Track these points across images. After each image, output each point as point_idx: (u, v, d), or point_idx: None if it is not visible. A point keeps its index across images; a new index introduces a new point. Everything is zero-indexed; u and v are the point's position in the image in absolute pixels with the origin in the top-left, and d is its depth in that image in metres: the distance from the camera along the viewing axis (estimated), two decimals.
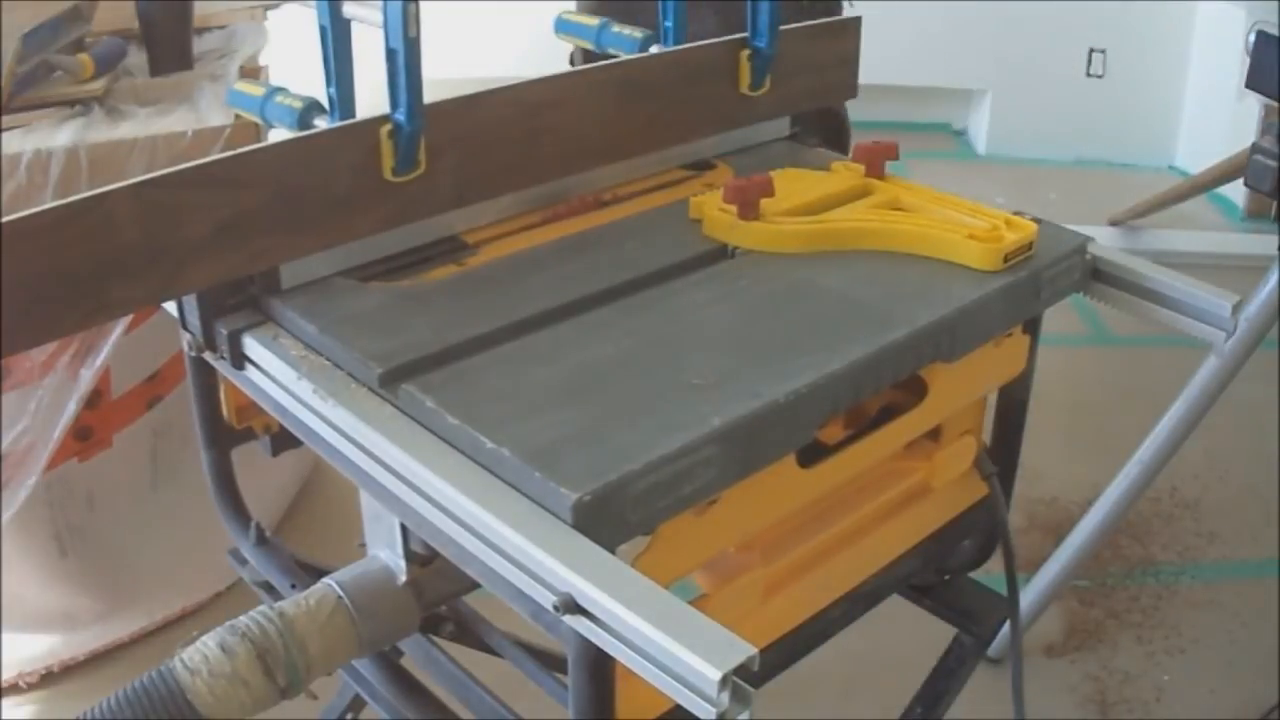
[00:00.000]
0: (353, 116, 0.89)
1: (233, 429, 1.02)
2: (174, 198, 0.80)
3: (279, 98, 0.92)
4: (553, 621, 0.68)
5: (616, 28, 1.16)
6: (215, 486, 1.05)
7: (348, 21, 0.87)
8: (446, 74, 1.61)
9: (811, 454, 0.85)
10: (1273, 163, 1.57)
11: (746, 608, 0.88)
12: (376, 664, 0.99)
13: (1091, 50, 3.65)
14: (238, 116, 1.53)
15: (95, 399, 1.62)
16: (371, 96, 0.89)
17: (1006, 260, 0.92)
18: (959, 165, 3.73)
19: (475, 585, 0.87)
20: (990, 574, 1.16)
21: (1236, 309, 0.95)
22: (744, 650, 0.59)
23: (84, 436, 1.67)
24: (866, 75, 1.25)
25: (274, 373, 0.85)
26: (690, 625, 0.61)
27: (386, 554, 0.90)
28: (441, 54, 1.44)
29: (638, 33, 1.15)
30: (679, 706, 0.61)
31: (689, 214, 1.01)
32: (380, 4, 0.84)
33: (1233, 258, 3.06)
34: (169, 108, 1.59)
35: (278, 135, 0.91)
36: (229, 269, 0.84)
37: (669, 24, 1.14)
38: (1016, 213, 0.98)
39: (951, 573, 1.16)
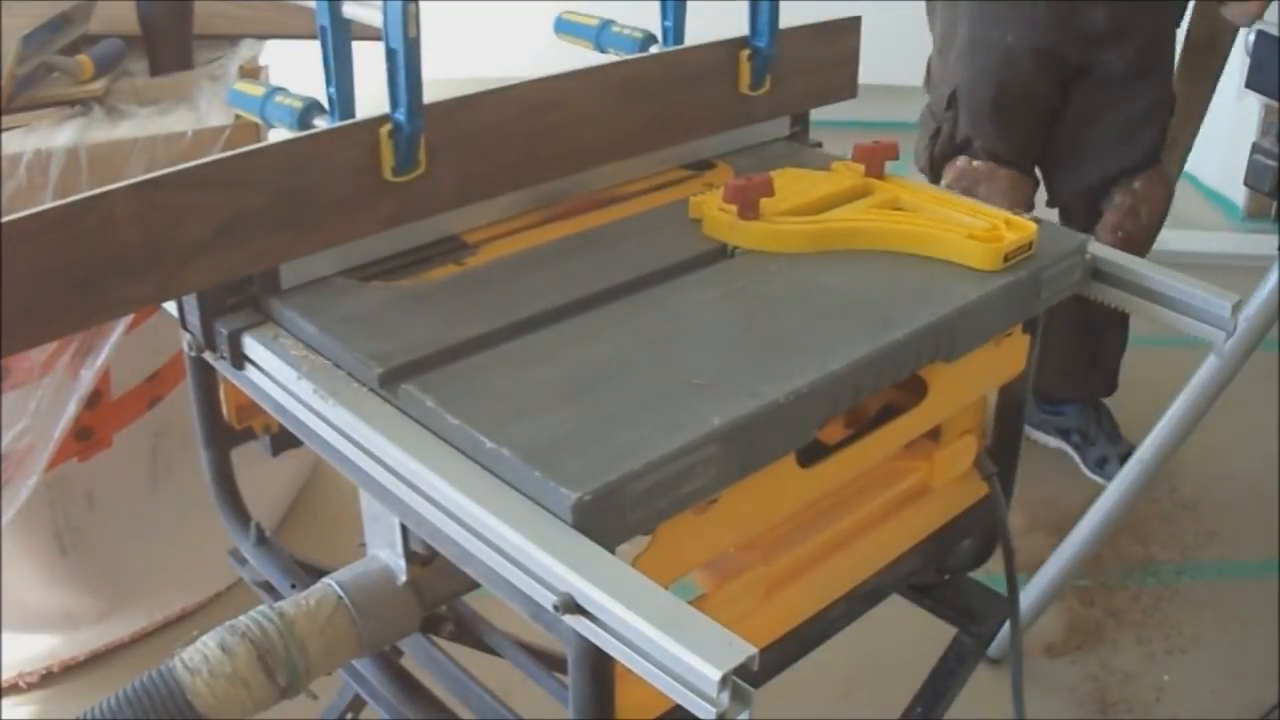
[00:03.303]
0: (353, 116, 0.89)
1: (233, 429, 1.02)
2: (174, 198, 0.80)
3: (279, 98, 0.92)
4: (553, 621, 0.68)
5: (616, 28, 1.16)
6: (215, 486, 1.05)
7: (348, 21, 0.87)
8: (447, 74, 1.61)
9: (811, 454, 0.85)
10: (1273, 163, 1.57)
11: (746, 607, 0.88)
12: (376, 664, 0.99)
13: None
14: (238, 116, 1.53)
15: (95, 399, 1.62)
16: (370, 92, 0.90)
17: (1006, 260, 0.92)
18: None
19: (475, 585, 0.87)
20: (990, 574, 1.16)
21: (1236, 309, 0.95)
22: (744, 650, 0.59)
23: (84, 436, 1.67)
24: (866, 75, 1.25)
25: (274, 373, 0.85)
26: (690, 625, 0.61)
27: (386, 554, 0.90)
28: (442, 54, 1.44)
29: (638, 32, 1.15)
30: (679, 706, 0.61)
31: (689, 214, 1.01)
32: (380, 4, 0.84)
33: (1233, 258, 3.06)
34: (169, 108, 1.59)
35: (278, 135, 0.91)
36: (229, 269, 0.85)
37: (669, 24, 1.14)
38: (1016, 212, 0.98)
39: (951, 573, 1.16)
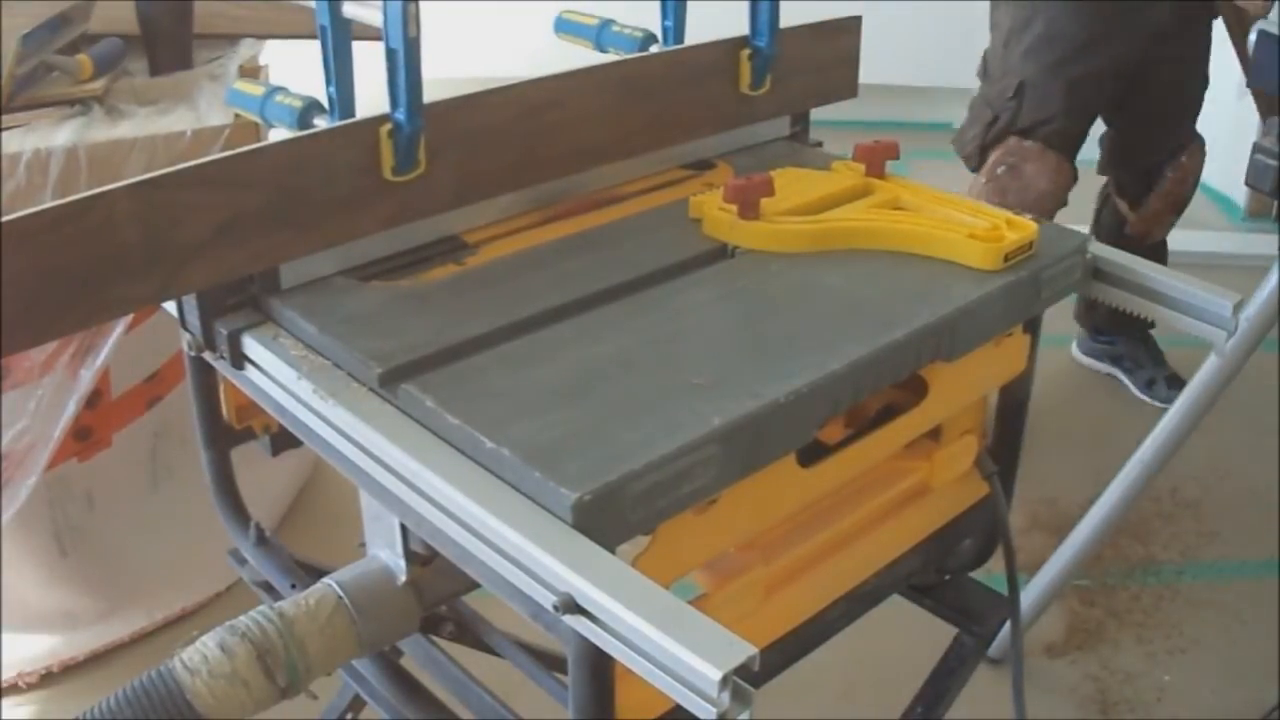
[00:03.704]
0: (353, 116, 0.89)
1: (232, 429, 1.02)
2: (174, 198, 0.80)
3: (279, 98, 0.92)
4: (553, 621, 0.68)
5: (616, 27, 1.16)
6: (215, 486, 1.05)
7: (348, 21, 0.87)
8: (448, 74, 1.61)
9: (811, 454, 0.85)
10: (1273, 162, 1.57)
11: (746, 608, 0.88)
12: (376, 664, 0.99)
13: None
14: (238, 116, 1.53)
15: (95, 399, 1.62)
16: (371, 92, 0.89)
17: (1007, 260, 0.92)
18: (959, 165, 3.71)
19: (475, 585, 0.87)
20: (990, 574, 1.16)
21: (1237, 309, 0.95)
22: (744, 650, 0.59)
23: (84, 436, 1.67)
24: (866, 75, 1.25)
25: (274, 372, 0.85)
26: (690, 625, 0.61)
27: (386, 554, 0.90)
28: (442, 54, 1.44)
29: (638, 32, 1.15)
30: (679, 706, 0.61)
31: (689, 214, 1.01)
32: (380, 4, 0.84)
33: (1233, 258, 3.06)
34: (169, 108, 1.59)
35: (278, 135, 0.91)
36: (229, 269, 0.85)
37: (669, 24, 1.14)
38: (1017, 212, 0.98)
39: (952, 573, 1.16)
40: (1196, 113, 2.23)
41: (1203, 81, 2.20)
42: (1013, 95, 2.05)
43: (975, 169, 2.13)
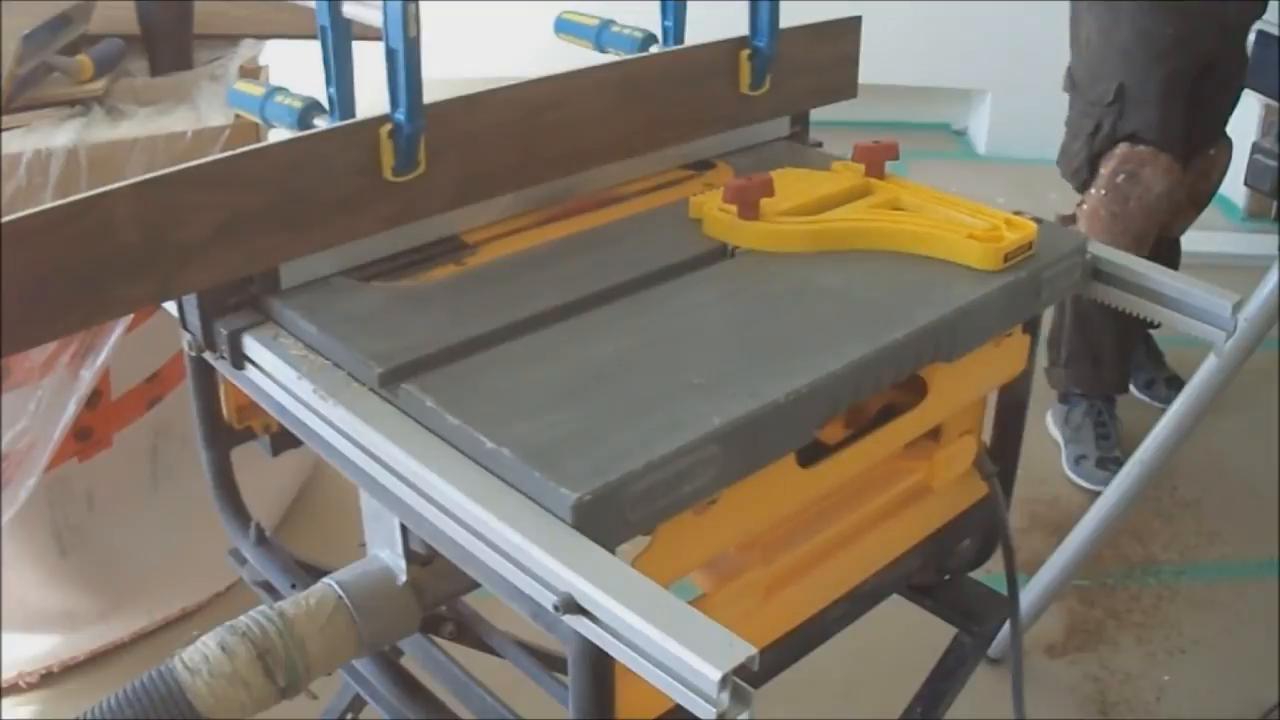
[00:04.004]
0: (353, 116, 0.89)
1: (233, 429, 1.02)
2: (174, 198, 0.80)
3: (279, 98, 0.92)
4: (553, 621, 0.68)
5: (616, 28, 1.16)
6: (215, 486, 1.05)
7: (348, 21, 0.87)
8: (448, 74, 1.61)
9: (811, 454, 0.85)
10: (1273, 163, 1.57)
11: (746, 608, 0.88)
12: (376, 664, 0.99)
13: None
14: (238, 116, 1.53)
15: (95, 399, 1.62)
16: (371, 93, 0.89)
17: (1006, 260, 0.92)
18: (959, 165, 3.73)
19: (475, 585, 0.87)
20: (990, 574, 1.16)
21: (1236, 309, 0.95)
22: (744, 650, 0.59)
23: (84, 436, 1.67)
24: (866, 75, 1.25)
25: (274, 372, 0.85)
26: (690, 625, 0.61)
27: (386, 554, 0.90)
28: (442, 54, 1.44)
29: (638, 32, 1.15)
30: (679, 706, 0.61)
31: (689, 214, 1.01)
32: (380, 4, 0.84)
33: (1233, 258, 3.06)
34: (169, 108, 1.59)
35: (278, 135, 0.91)
36: (229, 269, 0.85)
37: (669, 24, 1.14)
38: (1017, 212, 0.98)
39: (951, 573, 1.16)
40: (1230, 114, 2.23)
41: (1244, 82, 2.22)
42: (1113, 100, 2.05)
43: (1085, 182, 2.12)
